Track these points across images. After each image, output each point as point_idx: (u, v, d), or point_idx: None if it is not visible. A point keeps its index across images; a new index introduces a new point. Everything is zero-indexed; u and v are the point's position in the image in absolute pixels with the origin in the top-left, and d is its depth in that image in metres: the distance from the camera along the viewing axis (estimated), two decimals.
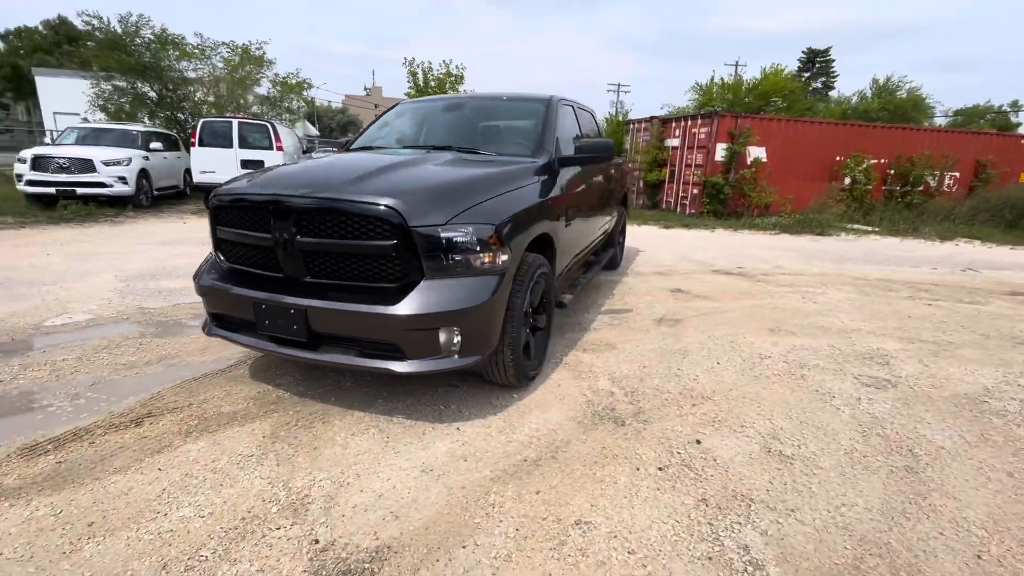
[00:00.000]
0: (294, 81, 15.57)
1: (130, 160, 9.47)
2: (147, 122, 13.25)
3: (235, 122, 10.38)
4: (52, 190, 8.94)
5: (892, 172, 13.29)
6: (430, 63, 15.53)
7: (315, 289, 2.30)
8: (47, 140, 19.62)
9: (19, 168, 8.99)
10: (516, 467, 2.15)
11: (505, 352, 2.55)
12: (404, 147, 3.54)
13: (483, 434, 2.40)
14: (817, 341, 3.81)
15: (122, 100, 13.33)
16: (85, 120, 13.99)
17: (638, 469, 2.16)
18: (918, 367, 3.37)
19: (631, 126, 15.54)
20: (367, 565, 1.62)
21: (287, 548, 1.67)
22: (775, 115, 14.15)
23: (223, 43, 13.87)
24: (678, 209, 13.40)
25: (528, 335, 2.85)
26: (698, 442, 2.39)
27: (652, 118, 14.41)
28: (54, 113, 21.94)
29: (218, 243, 2.66)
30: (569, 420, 2.55)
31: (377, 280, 2.25)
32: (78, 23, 15.35)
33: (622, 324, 4.04)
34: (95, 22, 13.09)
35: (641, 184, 14.73)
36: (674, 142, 13.62)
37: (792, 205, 12.25)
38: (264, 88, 15.54)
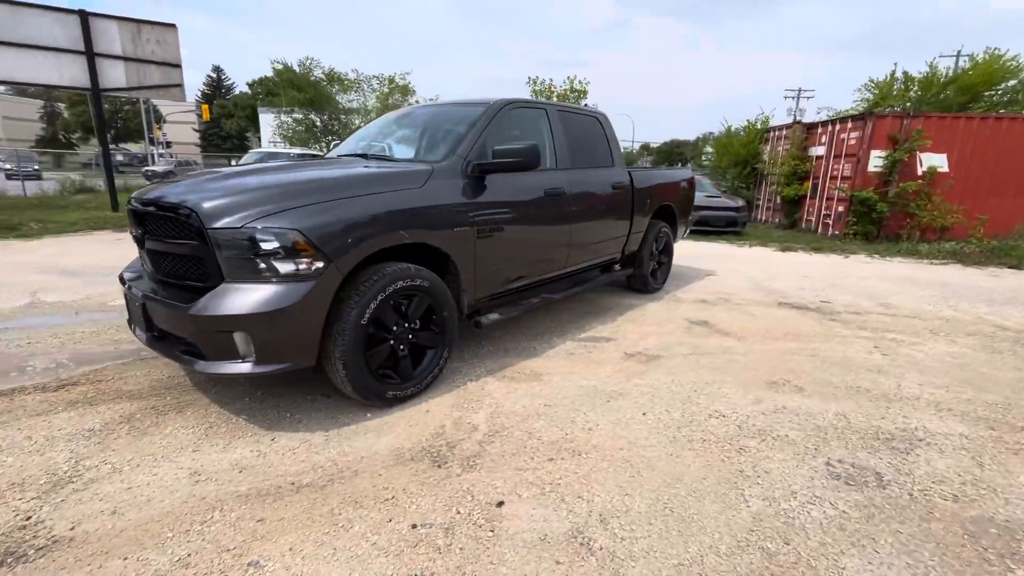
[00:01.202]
0: None
1: None
2: (313, 146, 15.90)
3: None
4: None
5: None
6: (551, 80, 15.70)
7: (156, 286, 2.47)
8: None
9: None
10: (275, 489, 2.00)
11: (337, 366, 2.40)
12: (343, 155, 3.61)
13: (290, 448, 2.28)
14: (827, 405, 2.80)
15: (298, 129, 16.21)
16: (273, 145, 17.37)
17: (390, 520, 1.83)
18: (951, 465, 2.25)
19: (771, 134, 13.56)
20: (39, 550, 1.65)
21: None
22: (963, 113, 10.99)
23: (374, 76, 15.96)
24: (819, 229, 11.24)
25: (402, 351, 2.65)
26: (500, 504, 1.93)
27: (794, 123, 12.37)
28: (269, 141, 27.75)
29: None
30: (392, 450, 2.28)
31: (190, 279, 2.31)
32: (284, 68, 19.16)
33: (583, 354, 3.50)
34: (279, 66, 16.25)
35: (778, 200, 12.75)
36: (819, 151, 11.50)
37: (985, 228, 9.32)
38: None
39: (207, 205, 2.20)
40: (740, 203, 11.22)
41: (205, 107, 36.80)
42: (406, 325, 2.68)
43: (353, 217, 2.36)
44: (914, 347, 3.83)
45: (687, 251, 8.41)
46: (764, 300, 5.15)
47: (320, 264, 2.24)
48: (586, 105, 16.07)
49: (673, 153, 64.64)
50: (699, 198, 10.89)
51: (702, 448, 2.34)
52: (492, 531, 1.78)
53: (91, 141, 52.77)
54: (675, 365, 3.34)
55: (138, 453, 2.22)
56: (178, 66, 12.23)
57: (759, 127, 14.03)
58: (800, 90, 44.16)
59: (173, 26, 12.03)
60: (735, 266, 7.15)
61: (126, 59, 11.57)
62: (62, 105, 55.20)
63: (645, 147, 72.91)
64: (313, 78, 15.55)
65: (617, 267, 4.77)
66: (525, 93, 15.64)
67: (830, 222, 10.86)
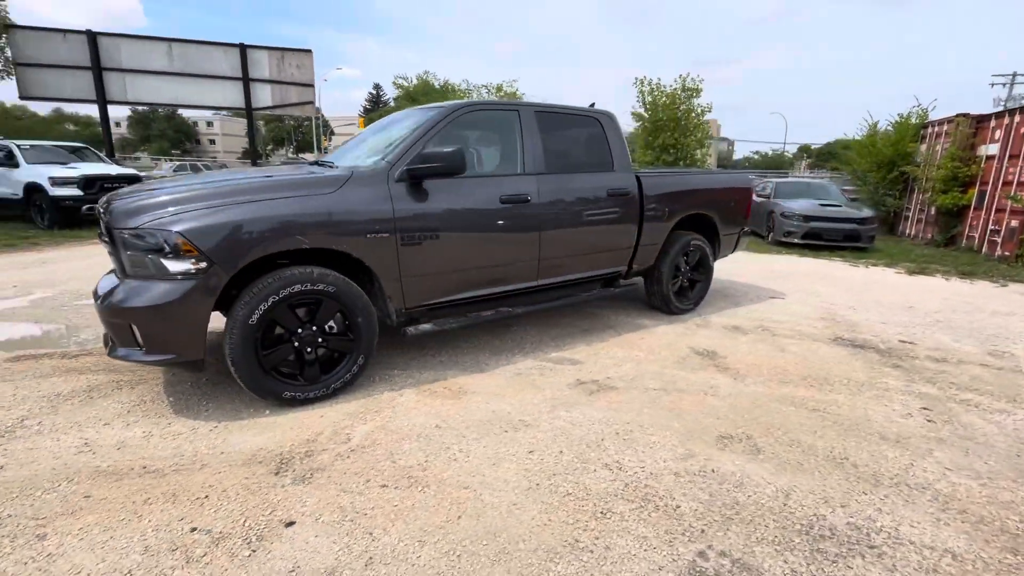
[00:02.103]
0: None
1: None
2: None
3: None
4: None
5: None
6: (659, 79, 14.68)
7: None
8: None
9: None
10: (126, 470, 2.15)
11: (227, 361, 2.52)
12: (313, 163, 3.76)
13: (175, 433, 2.45)
14: (776, 477, 2.18)
15: None
16: None
17: (181, 520, 1.85)
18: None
19: (928, 130, 11.10)
20: None
21: None
22: None
23: (483, 85, 16.59)
24: (983, 248, 8.90)
25: (308, 354, 2.70)
26: (289, 524, 1.85)
27: (958, 116, 9.94)
28: None
29: None
30: (253, 451, 2.33)
31: (121, 275, 2.59)
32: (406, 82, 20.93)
33: (531, 375, 3.21)
34: (402, 81, 17.74)
35: (932, 210, 10.41)
36: (991, 149, 9.11)
37: None
38: None
39: (120, 209, 2.47)
40: (865, 213, 9.34)
41: (361, 120, 41.77)
42: (313, 329, 2.72)
43: (239, 221, 2.45)
44: (989, 417, 2.80)
45: (773, 267, 7.26)
46: (818, 333, 4.21)
47: (203, 264, 2.37)
48: (699, 106, 14.82)
49: (832, 155, 56.52)
50: (809, 206, 9.39)
51: (558, 503, 1.98)
52: (252, 551, 1.71)
53: (280, 152, 63.53)
54: (624, 400, 2.89)
55: (68, 420, 2.57)
56: (311, 85, 14.05)
57: (913, 122, 11.57)
58: (1015, 75, 35.43)
59: (309, 52, 13.88)
60: (819, 288, 5.97)
61: (272, 82, 13.59)
62: (260, 122, 67.14)
63: (805, 149, 64.99)
64: (425, 90, 16.76)
65: (623, 282, 4.29)
66: (632, 94, 14.88)
67: (998, 240, 8.52)
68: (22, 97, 10.90)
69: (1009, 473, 2.27)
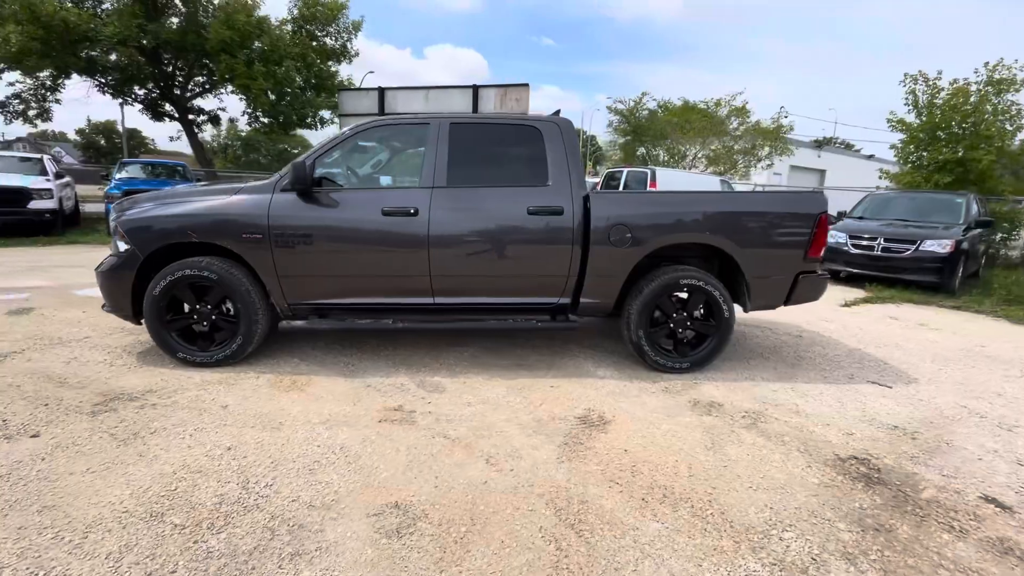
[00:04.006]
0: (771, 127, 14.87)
1: None
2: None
3: (625, 171, 11.86)
4: None
5: None
6: (938, 75, 10.57)
7: None
8: None
9: None
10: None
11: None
12: None
13: (91, 362, 3.44)
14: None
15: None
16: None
17: None
18: None
19: None
20: None
21: None
22: None
23: (700, 101, 15.29)
24: None
25: (203, 327, 3.40)
26: (35, 435, 2.47)
27: None
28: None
29: None
30: (104, 389, 3.09)
31: None
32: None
33: (367, 393, 3.14)
34: (619, 106, 17.77)
35: None
36: None
37: None
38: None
39: (119, 209, 3.61)
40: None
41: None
42: (208, 307, 3.38)
43: (150, 218, 3.29)
44: None
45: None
46: (829, 434, 2.65)
47: (128, 247, 3.29)
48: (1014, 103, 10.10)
49: None
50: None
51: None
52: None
53: None
54: (385, 433, 2.57)
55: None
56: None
57: None
58: None
59: (526, 85, 15.49)
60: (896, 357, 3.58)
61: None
62: None
63: None
64: (643, 112, 16.38)
65: (573, 317, 3.60)
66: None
67: None
68: None
69: None
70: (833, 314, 5.66)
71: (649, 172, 11.24)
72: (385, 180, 3.88)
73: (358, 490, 2.13)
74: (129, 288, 3.36)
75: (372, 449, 2.46)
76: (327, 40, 17.57)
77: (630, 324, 3.52)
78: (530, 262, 3.43)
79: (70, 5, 13.16)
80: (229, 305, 3.41)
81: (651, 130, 16.56)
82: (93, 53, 13.92)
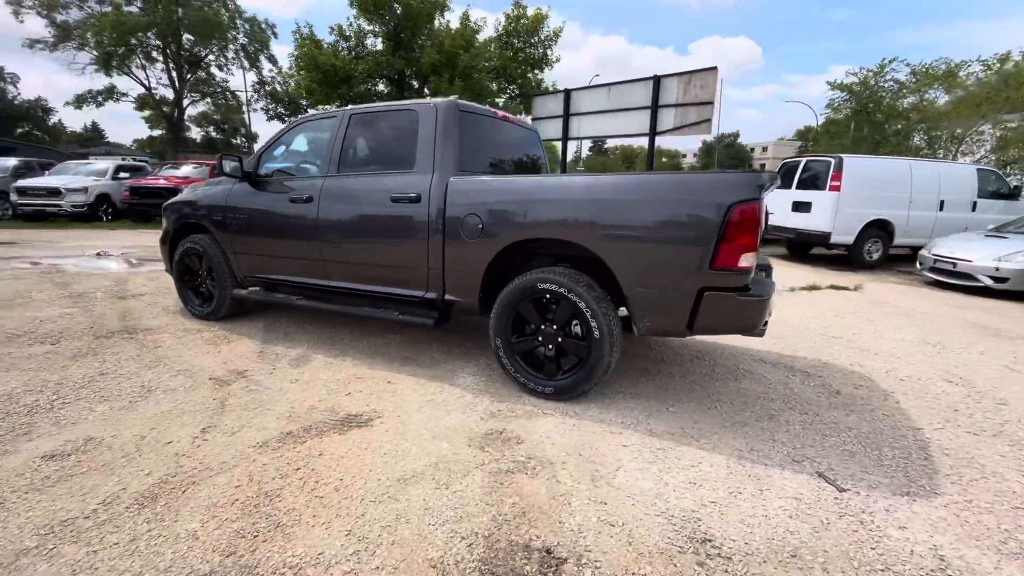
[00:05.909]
0: None
1: None
2: None
3: (803, 161, 9.25)
4: None
5: None
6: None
7: None
8: None
9: None
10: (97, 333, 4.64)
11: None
12: None
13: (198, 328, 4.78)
14: None
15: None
16: None
17: None
18: None
19: None
20: None
21: None
22: None
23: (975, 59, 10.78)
24: None
25: (204, 289, 4.45)
26: None
27: None
28: None
29: None
30: (88, 326, 4.33)
31: None
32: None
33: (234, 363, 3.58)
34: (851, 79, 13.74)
35: None
36: None
37: None
38: None
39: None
40: None
41: None
42: (203, 274, 4.38)
43: (173, 203, 4.43)
44: None
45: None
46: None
47: (165, 223, 4.52)
48: None
49: None
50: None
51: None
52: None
53: None
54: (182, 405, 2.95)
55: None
56: (710, 103, 13.73)
57: None
58: None
59: (714, 69, 13.45)
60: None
61: (676, 105, 14.35)
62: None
63: None
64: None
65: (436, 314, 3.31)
66: None
67: None
68: None
69: None
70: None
71: (833, 161, 8.58)
72: (313, 170, 4.25)
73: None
74: (169, 255, 4.61)
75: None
76: (529, 51, 18.88)
77: (490, 329, 3.06)
78: (391, 251, 3.32)
79: (343, 53, 17.59)
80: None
81: (886, 110, 12.25)
82: (359, 88, 18.29)
